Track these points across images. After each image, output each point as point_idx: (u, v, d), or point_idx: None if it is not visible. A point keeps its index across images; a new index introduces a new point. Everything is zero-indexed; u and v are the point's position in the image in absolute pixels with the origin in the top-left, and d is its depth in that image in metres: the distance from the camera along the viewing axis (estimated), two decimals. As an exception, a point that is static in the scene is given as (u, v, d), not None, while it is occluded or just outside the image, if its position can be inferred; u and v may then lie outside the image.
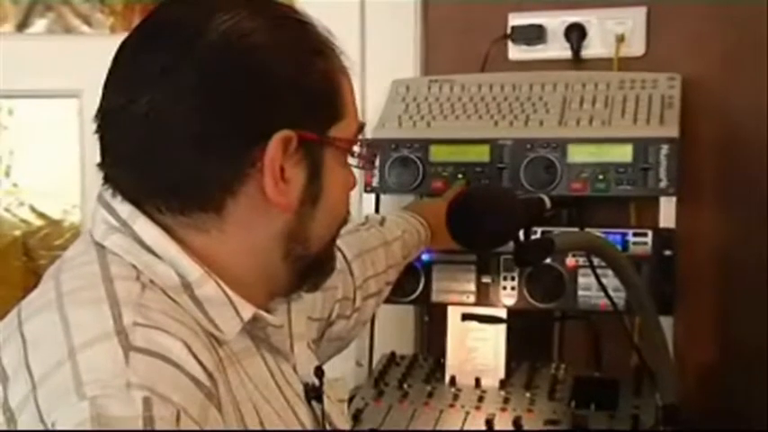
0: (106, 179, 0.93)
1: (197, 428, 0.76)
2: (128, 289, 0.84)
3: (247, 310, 0.92)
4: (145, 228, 0.89)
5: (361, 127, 1.00)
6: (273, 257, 0.94)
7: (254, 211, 0.90)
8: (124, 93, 0.89)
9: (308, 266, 0.98)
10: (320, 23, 0.96)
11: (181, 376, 0.78)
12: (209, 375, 0.82)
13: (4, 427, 0.76)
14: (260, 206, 0.90)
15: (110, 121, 0.91)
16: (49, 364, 0.77)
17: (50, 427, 0.73)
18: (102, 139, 0.91)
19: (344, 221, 1.02)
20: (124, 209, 0.90)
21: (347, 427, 1.10)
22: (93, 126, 0.92)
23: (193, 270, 0.89)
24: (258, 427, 0.89)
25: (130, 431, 0.73)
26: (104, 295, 0.83)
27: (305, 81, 0.90)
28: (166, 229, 0.90)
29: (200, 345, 0.83)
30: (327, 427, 1.03)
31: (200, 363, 0.81)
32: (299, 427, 0.97)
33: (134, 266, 0.88)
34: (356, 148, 0.98)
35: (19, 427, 0.75)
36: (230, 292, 0.90)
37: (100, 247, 0.90)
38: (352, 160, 0.98)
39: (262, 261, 0.94)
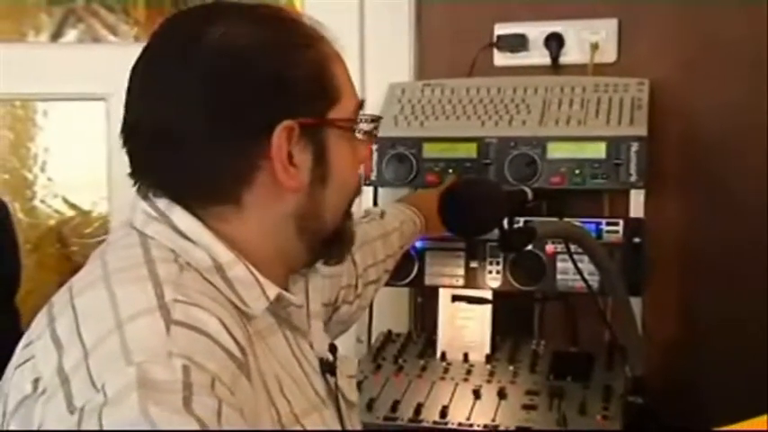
0: (137, 184, 0.93)
1: (229, 394, 0.77)
2: (167, 270, 0.85)
3: (273, 290, 0.92)
4: (181, 217, 0.90)
5: (361, 104, 0.98)
6: (289, 236, 0.94)
7: (268, 197, 0.91)
8: (138, 107, 0.91)
9: (325, 240, 0.97)
10: (307, 16, 0.96)
11: (215, 348, 0.79)
12: (242, 349, 0.82)
13: (59, 388, 0.76)
14: (273, 192, 0.91)
15: (129, 134, 0.92)
16: (100, 334, 0.78)
17: (100, 388, 0.74)
18: (128, 151, 0.92)
19: (357, 193, 1.01)
20: (161, 201, 0.91)
21: (356, 398, 1.10)
22: (121, 135, 0.93)
23: (224, 254, 0.89)
24: (280, 396, 0.89)
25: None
26: (147, 274, 0.84)
27: (295, 73, 0.90)
28: (199, 218, 0.90)
29: (232, 321, 0.84)
30: (340, 399, 1.03)
31: (233, 336, 0.82)
32: (315, 397, 0.97)
33: (172, 250, 0.88)
34: (363, 125, 0.98)
35: (73, 389, 0.75)
36: (257, 274, 0.91)
37: (141, 233, 0.91)
38: (358, 134, 0.98)
39: (278, 240, 0.94)
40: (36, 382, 0.79)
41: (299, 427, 0.90)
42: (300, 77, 0.90)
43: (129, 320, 0.78)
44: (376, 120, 1.01)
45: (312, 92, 0.91)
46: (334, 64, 0.94)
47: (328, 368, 1.01)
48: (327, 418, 0.96)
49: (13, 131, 2.39)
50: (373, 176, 1.75)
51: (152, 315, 0.79)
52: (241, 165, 0.89)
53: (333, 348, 1.04)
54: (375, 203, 1.77)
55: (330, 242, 0.98)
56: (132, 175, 0.93)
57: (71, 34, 2.33)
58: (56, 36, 2.33)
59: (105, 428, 0.71)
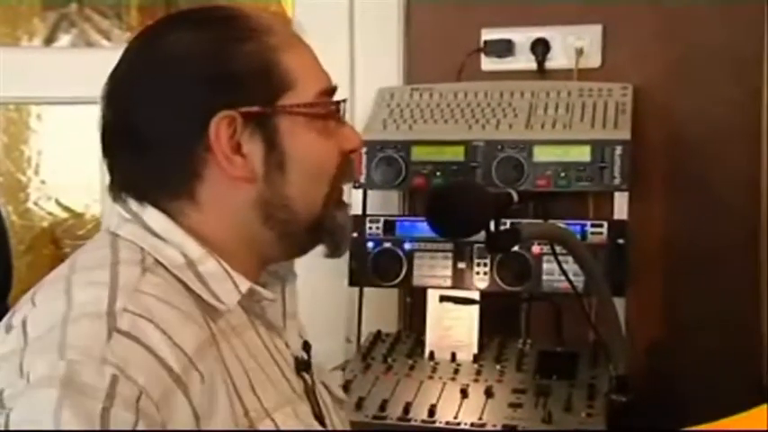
0: (109, 188, 0.95)
1: (154, 409, 0.77)
2: (128, 274, 0.85)
3: (244, 284, 0.92)
4: (152, 216, 0.91)
5: (329, 89, 0.97)
6: (254, 226, 0.93)
7: (223, 188, 0.91)
8: (103, 113, 0.94)
9: (307, 229, 0.95)
10: (260, 11, 0.96)
11: (152, 360, 0.79)
12: (188, 361, 0.82)
13: None
14: (226, 183, 0.91)
15: (100, 133, 0.95)
16: (43, 328, 0.80)
17: (24, 375, 0.75)
18: (102, 154, 0.95)
19: (339, 178, 0.98)
20: (133, 203, 0.92)
21: (343, 395, 1.11)
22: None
23: (196, 250, 0.90)
24: (248, 392, 0.89)
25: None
26: (108, 280, 0.84)
27: (232, 66, 0.90)
28: (169, 215, 0.91)
29: (186, 329, 0.84)
30: (325, 396, 1.03)
31: (179, 348, 0.81)
32: (291, 393, 0.96)
33: (142, 249, 0.89)
34: (320, 108, 0.94)
35: (0, 372, 0.77)
36: (229, 268, 0.91)
37: (114, 235, 0.92)
38: (336, 119, 0.96)
39: (243, 231, 0.93)
40: None
41: (268, 421, 0.89)
42: (238, 69, 0.90)
43: (74, 320, 0.79)
44: (336, 103, 0.98)
45: (254, 82, 0.91)
46: (286, 53, 0.93)
47: (304, 366, 1.01)
48: (301, 413, 0.95)
49: (7, 134, 2.39)
50: (362, 179, 1.75)
51: (99, 320, 0.79)
52: (188, 159, 0.90)
53: (306, 347, 1.04)
54: (364, 206, 1.77)
55: (316, 231, 0.97)
56: (109, 179, 0.95)
57: (64, 39, 2.33)
58: (49, 40, 2.33)
59: (13, 415, 0.73)
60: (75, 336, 0.78)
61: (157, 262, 0.88)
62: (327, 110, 0.96)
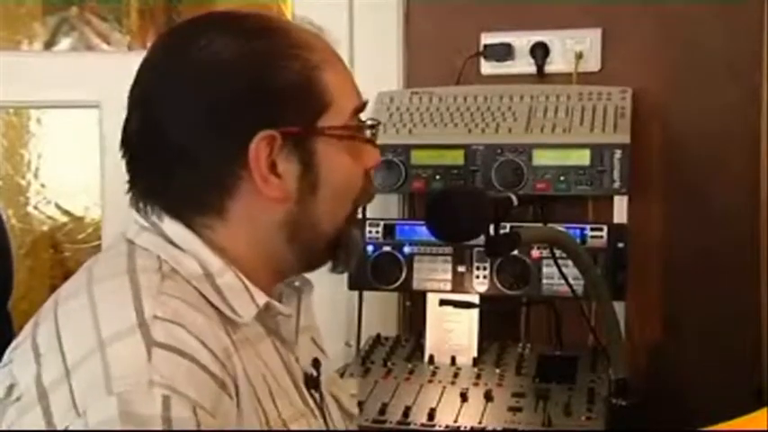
0: (130, 195, 0.93)
1: (211, 419, 0.77)
2: (149, 280, 0.84)
3: (261, 298, 0.91)
4: (171, 226, 0.90)
5: (361, 106, 0.96)
6: (278, 244, 0.92)
7: (253, 207, 0.89)
8: (129, 118, 0.91)
9: (327, 246, 0.95)
10: (298, 24, 0.95)
11: (197, 370, 0.78)
12: (222, 365, 0.81)
13: (36, 403, 0.76)
14: (258, 201, 0.89)
15: (124, 145, 0.92)
16: (81, 352, 0.78)
17: (82, 414, 0.74)
18: (125, 163, 0.93)
19: (363, 198, 0.98)
20: (153, 212, 0.91)
21: (356, 411, 1.10)
22: (117, 139, 0.93)
23: (214, 262, 0.89)
24: (269, 401, 0.88)
25: None
26: (128, 285, 0.83)
27: (276, 84, 0.88)
28: (189, 227, 0.90)
29: (213, 332, 0.83)
30: (331, 413, 1.02)
31: (213, 352, 0.81)
32: (303, 406, 0.96)
33: (158, 257, 0.88)
34: (358, 132, 0.95)
35: (52, 406, 0.76)
36: (247, 281, 0.90)
37: (131, 243, 0.90)
38: (363, 138, 0.96)
39: (267, 249, 0.92)
40: (11, 387, 0.79)
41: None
42: (282, 88, 0.88)
43: (110, 341, 0.78)
44: (374, 126, 0.98)
45: (296, 102, 0.89)
46: (325, 72, 0.92)
47: (313, 383, 1.00)
48: (314, 426, 0.95)
49: (7, 138, 2.39)
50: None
51: (133, 336, 0.78)
52: (222, 175, 0.88)
53: (316, 364, 1.03)
54: (364, 210, 1.76)
55: (332, 248, 0.96)
56: (129, 186, 0.93)
57: (64, 42, 2.33)
58: (49, 44, 2.33)
59: None
60: (116, 362, 0.76)
61: (174, 271, 0.87)
62: (361, 132, 0.96)
